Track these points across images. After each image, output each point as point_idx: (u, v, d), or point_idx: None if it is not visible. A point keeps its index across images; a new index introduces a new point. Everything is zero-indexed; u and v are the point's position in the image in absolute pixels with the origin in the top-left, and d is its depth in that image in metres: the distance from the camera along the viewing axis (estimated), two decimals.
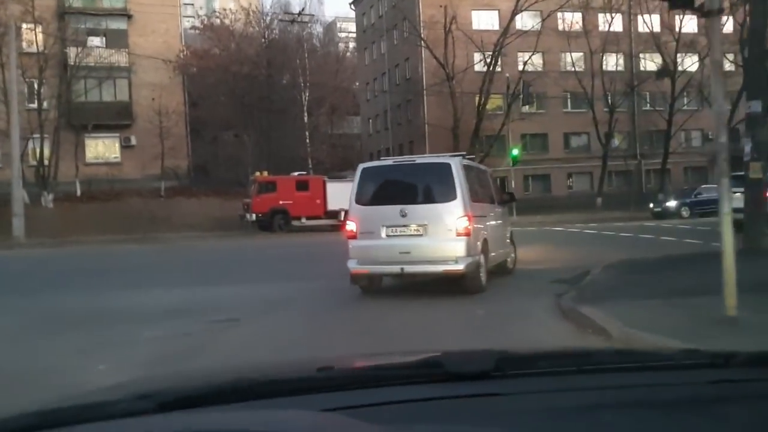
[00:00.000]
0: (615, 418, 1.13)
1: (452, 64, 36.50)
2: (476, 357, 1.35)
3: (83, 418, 1.10)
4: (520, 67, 39.17)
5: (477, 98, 37.45)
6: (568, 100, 42.71)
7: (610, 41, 37.94)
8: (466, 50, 37.52)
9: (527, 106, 37.34)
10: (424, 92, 40.34)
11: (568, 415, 1.13)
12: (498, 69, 37.42)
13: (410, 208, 8.87)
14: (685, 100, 39.37)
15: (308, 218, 29.15)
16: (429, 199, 9.10)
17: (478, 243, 9.16)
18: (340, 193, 29.08)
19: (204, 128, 37.59)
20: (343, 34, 69.49)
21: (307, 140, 40.16)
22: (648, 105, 42.34)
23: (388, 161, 10.37)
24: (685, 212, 29.72)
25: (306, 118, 40.26)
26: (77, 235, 26.99)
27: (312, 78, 40.77)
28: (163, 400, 1.13)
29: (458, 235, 8.72)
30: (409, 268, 8.99)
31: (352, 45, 59.21)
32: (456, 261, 8.69)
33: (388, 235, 8.98)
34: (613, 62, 39.93)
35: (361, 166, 9.66)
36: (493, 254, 9.93)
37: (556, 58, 40.59)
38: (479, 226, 9.26)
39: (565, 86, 39.93)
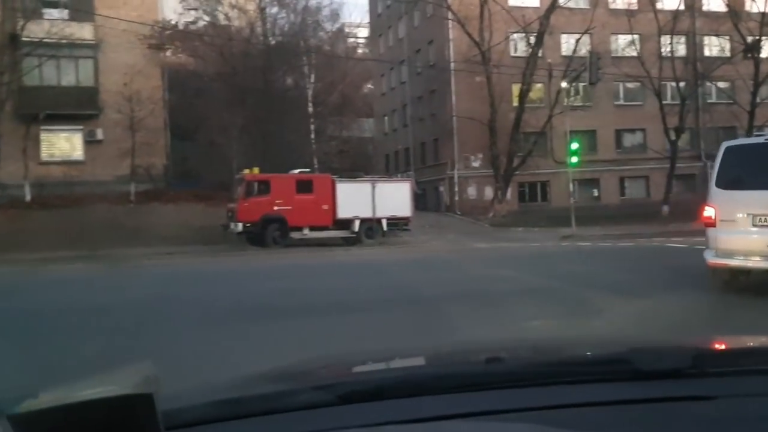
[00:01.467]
0: None
1: (489, 41, 30.20)
2: (669, 353, 1.21)
3: (264, 410, 1.09)
4: (564, 51, 32.98)
5: (518, 86, 31.25)
6: (621, 92, 36.31)
7: (675, 20, 31.52)
8: (503, 30, 31.34)
9: (575, 99, 31.05)
10: (452, 79, 33.99)
11: None
12: (539, 54, 31.22)
13: None
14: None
15: (312, 228, 22.75)
16: None
17: None
18: (354, 197, 22.71)
19: (189, 122, 31.11)
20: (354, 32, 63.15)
21: (312, 137, 33.97)
22: (713, 97, 35.91)
23: (760, 138, 8.69)
24: None
25: (311, 110, 34.17)
26: (19, 251, 20.81)
27: (318, 74, 34.94)
28: (345, 392, 1.10)
29: None
30: None
31: (363, 38, 52.74)
32: None
33: (755, 224, 7.81)
34: (678, 46, 33.50)
35: (724, 144, 8.59)
36: None
37: (605, 41, 34.11)
38: None
39: (618, 75, 33.59)
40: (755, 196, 7.80)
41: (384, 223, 23.29)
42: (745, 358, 1.27)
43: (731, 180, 8.14)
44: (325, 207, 22.73)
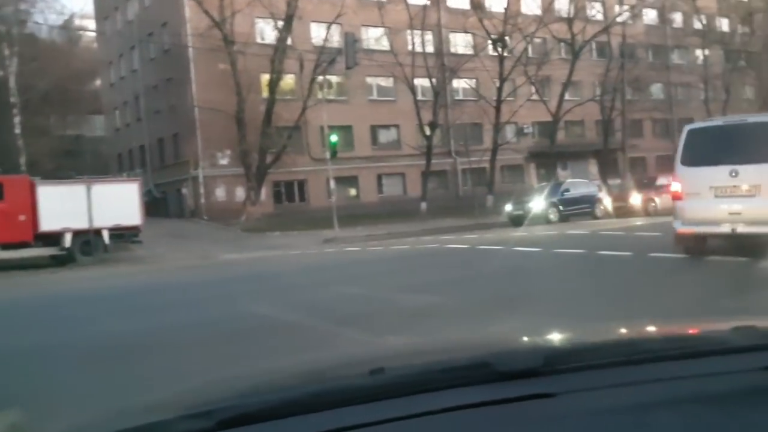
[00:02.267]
0: (668, 416, 1.07)
1: (231, 22, 26.70)
2: (524, 353, 1.31)
3: None
4: (314, 41, 30.80)
5: (268, 77, 28.20)
6: (374, 87, 35.12)
7: (424, 13, 30.95)
8: (249, 14, 28.09)
9: (329, 93, 28.87)
10: (191, 66, 29.82)
11: (619, 415, 1.08)
12: (288, 42, 28.55)
13: (741, 168, 8.72)
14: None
15: (4, 247, 17.26)
16: (762, 158, 8.65)
17: None
18: (63, 204, 17.57)
19: None
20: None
21: (18, 132, 27.50)
22: (460, 94, 36.42)
23: (718, 121, 10.10)
24: (553, 215, 23.20)
25: (14, 101, 27.65)
26: None
27: (29, 68, 28.93)
28: (222, 417, 1.10)
29: None
30: (742, 229, 8.81)
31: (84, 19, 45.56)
32: None
33: (716, 196, 8.95)
34: (429, 41, 33.14)
35: (687, 128, 9.67)
36: None
37: (356, 32, 32.51)
38: None
39: (371, 68, 32.27)
40: (715, 171, 8.83)
41: (106, 234, 18.54)
42: (589, 353, 1.34)
43: (694, 158, 9.14)
44: (23, 217, 17.37)
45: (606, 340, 1.57)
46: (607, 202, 24.37)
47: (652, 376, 1.21)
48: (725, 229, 9.01)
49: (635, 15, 35.23)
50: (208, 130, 29.50)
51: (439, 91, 31.98)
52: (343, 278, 10.76)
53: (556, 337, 1.66)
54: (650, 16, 42.73)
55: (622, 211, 23.42)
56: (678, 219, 9.43)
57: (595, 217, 23.93)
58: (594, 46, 38.34)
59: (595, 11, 35.01)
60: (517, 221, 23.00)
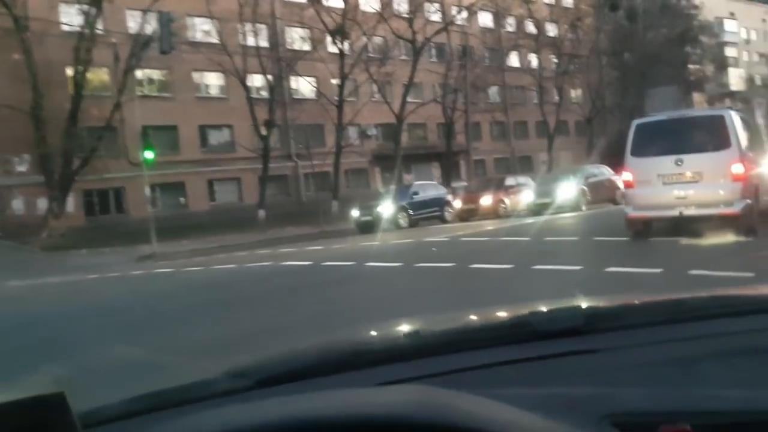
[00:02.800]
0: (712, 368, 1.09)
1: (24, 2, 22.45)
2: (565, 313, 1.30)
3: (183, 400, 1.11)
4: (131, 30, 27.02)
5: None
6: (203, 83, 31.79)
7: (256, 4, 28.28)
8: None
9: (150, 89, 25.26)
10: None
11: (664, 368, 1.10)
12: (99, 29, 24.72)
13: (685, 157, 9.58)
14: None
15: None
16: (703, 147, 9.60)
17: (751, 188, 9.59)
18: None
19: None
20: None
21: None
22: (300, 92, 34.11)
23: (662, 116, 10.62)
24: (403, 220, 21.51)
25: None
26: None
27: None
28: (258, 376, 1.15)
29: (734, 180, 9.35)
30: (687, 211, 9.62)
31: None
32: (732, 204, 9.29)
33: (664, 183, 9.75)
34: (262, 34, 30.45)
35: (635, 122, 10.52)
36: (765, 198, 10.29)
37: (181, 23, 29.10)
38: (752, 172, 9.79)
39: (196, 63, 29.09)
40: (662, 161, 9.73)
41: None
42: (630, 314, 1.36)
43: (642, 149, 9.91)
44: None
45: (645, 302, 1.58)
46: (456, 205, 23.16)
47: (696, 333, 1.20)
48: (673, 212, 9.77)
49: (472, 13, 34.78)
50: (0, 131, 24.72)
51: (275, 88, 29.36)
52: (101, 326, 7.09)
53: (595, 301, 1.65)
54: (486, 18, 43.12)
55: (472, 213, 22.29)
56: (629, 205, 10.28)
57: (445, 221, 22.68)
58: (434, 47, 37.82)
59: (434, 10, 34.17)
60: (365, 228, 21.10)
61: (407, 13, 32.51)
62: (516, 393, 1.00)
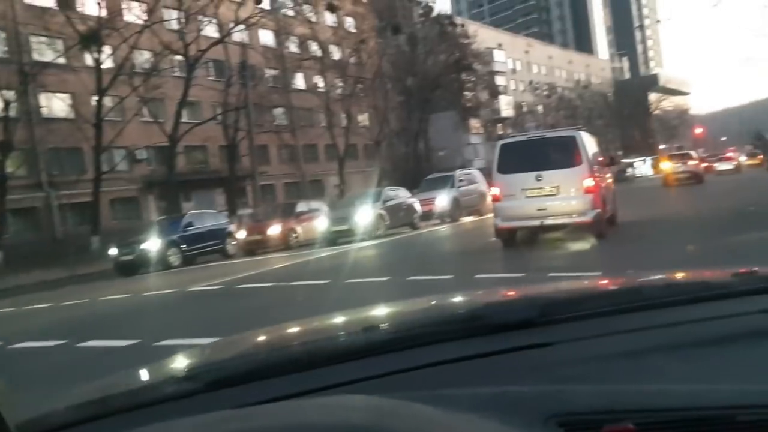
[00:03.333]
0: (664, 361, 1.06)
1: None
2: (518, 305, 1.31)
3: (130, 406, 1.08)
4: None
5: None
6: None
7: None
8: None
9: None
10: None
11: (615, 362, 1.07)
12: None
13: (544, 174, 10.76)
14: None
15: None
16: (559, 165, 10.77)
17: (600, 199, 10.98)
18: None
19: None
20: None
21: None
22: (53, 111, 29.04)
23: (523, 137, 11.90)
24: (175, 257, 18.14)
25: None
26: None
27: None
28: (209, 378, 1.11)
29: (586, 192, 10.70)
30: (547, 221, 10.87)
31: None
32: (585, 213, 10.65)
33: (527, 196, 10.91)
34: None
35: (500, 143, 11.80)
36: (608, 208, 11.96)
37: None
38: (600, 185, 11.23)
39: None
40: (525, 177, 10.94)
41: None
42: (584, 303, 1.33)
43: (507, 167, 11.14)
44: None
45: (600, 290, 1.59)
46: (240, 235, 20.25)
47: (650, 323, 1.19)
48: (536, 222, 10.91)
49: (250, 27, 32.23)
50: None
51: (13, 104, 24.40)
52: None
53: (550, 289, 1.65)
54: (269, 37, 41.02)
55: (259, 245, 19.59)
56: (498, 217, 11.28)
57: (228, 256, 19.79)
58: (212, 64, 34.82)
59: (207, 21, 31.07)
60: (125, 269, 17.55)
61: (177, 24, 29.15)
62: (463, 393, 0.99)
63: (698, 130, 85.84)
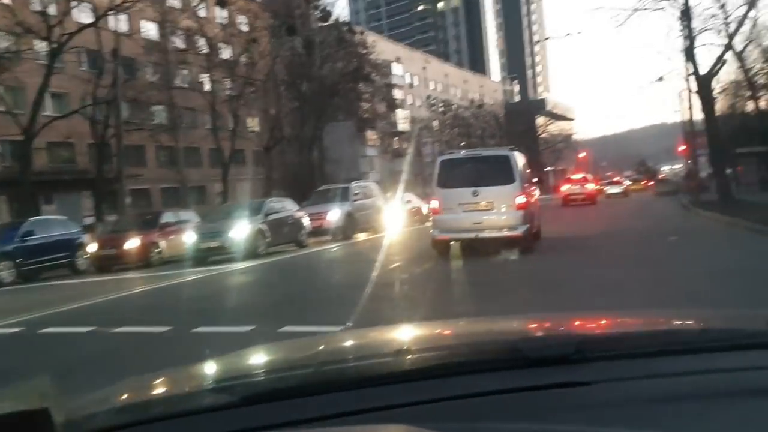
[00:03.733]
0: (706, 408, 1.04)
1: None
2: (556, 340, 1.31)
3: (168, 414, 1.10)
4: None
5: None
6: None
7: None
8: None
9: None
10: None
11: (656, 405, 1.06)
12: None
13: (481, 189, 11.49)
14: None
15: None
16: (494, 182, 11.52)
17: (529, 215, 11.82)
18: None
19: None
20: None
21: None
22: None
23: (461, 154, 13.09)
24: (7, 273, 14.91)
25: None
26: None
27: None
28: (246, 393, 1.12)
29: (517, 208, 11.43)
30: (482, 234, 11.52)
31: None
32: (516, 228, 11.38)
33: (464, 210, 11.57)
34: None
35: (439, 158, 12.66)
36: (535, 223, 12.77)
37: None
38: (530, 202, 12.09)
39: None
40: (462, 192, 11.59)
41: None
42: (623, 342, 1.33)
43: (447, 181, 11.83)
44: None
45: (640, 330, 1.53)
46: (91, 248, 17.17)
47: (688, 368, 1.17)
48: (471, 235, 11.64)
49: (125, 9, 28.81)
50: None
51: None
52: None
53: (588, 324, 1.63)
54: (151, 28, 37.59)
55: (113, 261, 16.64)
56: (436, 228, 11.98)
57: (77, 271, 16.76)
58: (85, 54, 31.12)
59: (77, 3, 27.50)
60: None
61: (41, 4, 25.51)
62: (500, 428, 0.98)
63: (582, 154, 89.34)
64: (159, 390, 1.31)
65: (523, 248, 11.40)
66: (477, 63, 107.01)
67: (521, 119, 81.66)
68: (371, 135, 55.61)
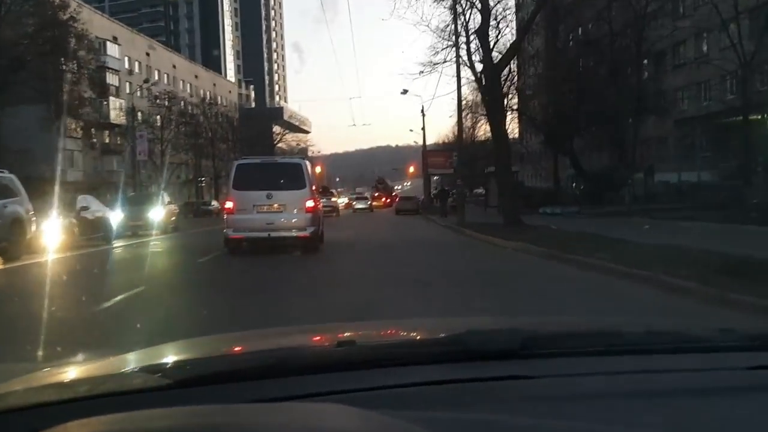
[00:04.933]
0: (646, 406, 1.06)
1: None
2: (501, 335, 1.28)
3: (94, 394, 1.06)
4: None
5: None
6: None
7: None
8: None
9: None
10: None
11: (597, 401, 1.07)
12: None
13: (274, 193, 12.68)
14: None
15: None
16: (287, 186, 12.76)
17: (317, 218, 13.29)
18: None
19: None
20: None
21: None
22: None
23: (257, 159, 14.40)
24: None
25: None
26: None
27: None
28: (182, 376, 1.09)
29: (306, 212, 12.77)
30: (274, 234, 12.62)
31: None
32: (305, 229, 12.70)
33: (258, 212, 12.63)
34: None
35: (235, 162, 13.77)
36: (321, 227, 14.15)
37: None
38: (317, 206, 13.76)
39: None
40: (257, 194, 12.61)
41: None
42: (570, 340, 1.34)
43: (242, 184, 12.80)
44: None
45: (585, 330, 1.53)
46: None
47: (632, 368, 1.19)
48: (264, 234, 12.61)
49: None
50: None
51: None
52: None
53: (534, 323, 1.64)
54: None
55: None
56: (230, 228, 12.71)
57: None
58: None
59: None
60: None
61: None
62: (445, 417, 0.97)
63: (318, 169, 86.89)
64: (92, 370, 1.25)
65: (310, 248, 12.83)
66: (211, 61, 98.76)
67: (257, 125, 76.78)
68: (73, 124, 45.32)
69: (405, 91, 42.79)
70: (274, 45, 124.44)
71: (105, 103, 51.15)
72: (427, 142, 54.50)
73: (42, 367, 1.33)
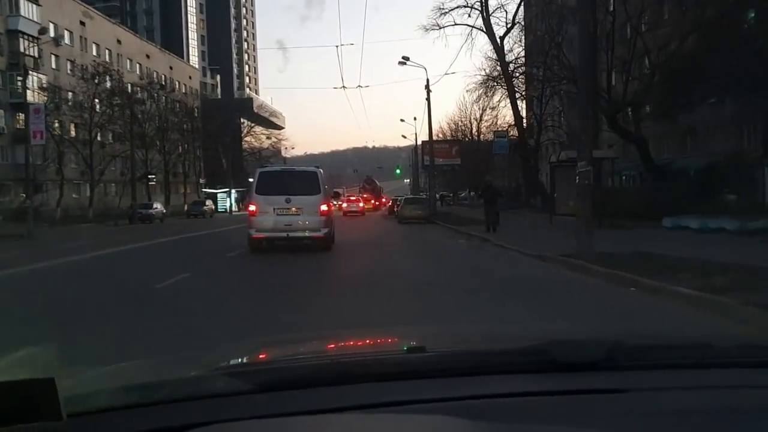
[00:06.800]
0: (750, 420, 1.00)
1: None
2: (587, 346, 1.24)
3: (175, 397, 1.06)
4: None
5: None
6: None
7: None
8: None
9: None
10: None
11: (693, 417, 1.01)
12: None
13: (292, 198, 14.33)
14: None
15: None
16: (304, 192, 14.43)
17: (330, 221, 15.01)
18: None
19: None
20: None
21: None
22: None
23: (278, 167, 18.44)
24: None
25: None
26: None
27: None
28: (263, 380, 1.08)
29: (321, 215, 14.48)
30: (292, 234, 14.33)
31: None
32: (320, 230, 14.42)
33: (277, 214, 14.35)
34: None
35: (258, 170, 16.32)
36: (334, 229, 15.66)
37: None
38: (331, 210, 15.56)
39: None
40: (277, 199, 14.40)
41: None
42: (657, 352, 1.29)
43: (264, 189, 14.62)
44: None
45: (673, 342, 1.46)
46: None
47: (727, 383, 1.14)
48: (282, 234, 14.40)
49: None
50: None
51: None
52: None
53: (618, 333, 1.55)
54: None
55: None
56: (253, 228, 14.50)
57: None
58: None
59: None
60: None
61: None
62: (529, 429, 0.95)
63: None
64: (173, 371, 1.25)
65: (323, 247, 14.45)
66: (174, 46, 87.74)
67: (222, 116, 66.39)
68: None
69: (405, 59, 32.99)
70: (245, 33, 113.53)
71: (19, 78, 40.20)
72: (417, 142, 46.33)
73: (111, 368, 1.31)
